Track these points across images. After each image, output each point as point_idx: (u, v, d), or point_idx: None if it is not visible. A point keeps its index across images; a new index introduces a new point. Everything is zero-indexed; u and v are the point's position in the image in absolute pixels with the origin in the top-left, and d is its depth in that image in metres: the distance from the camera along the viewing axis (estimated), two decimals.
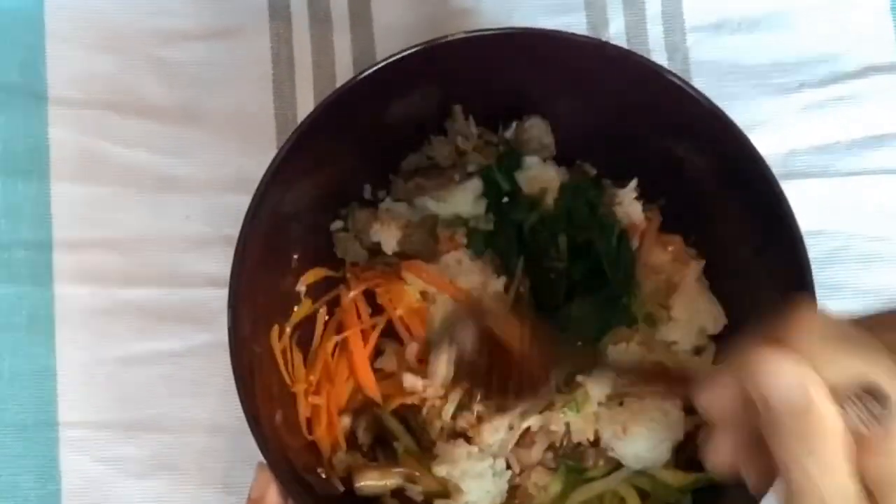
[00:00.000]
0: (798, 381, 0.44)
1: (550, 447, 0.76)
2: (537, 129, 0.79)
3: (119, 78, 0.88)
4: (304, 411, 0.76)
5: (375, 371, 0.78)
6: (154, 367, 0.83)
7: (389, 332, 0.80)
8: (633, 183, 0.79)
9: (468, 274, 0.78)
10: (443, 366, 0.74)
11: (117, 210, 0.85)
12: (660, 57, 0.88)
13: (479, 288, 0.78)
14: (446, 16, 0.89)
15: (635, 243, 0.79)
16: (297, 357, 0.77)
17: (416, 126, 0.79)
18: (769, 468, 0.47)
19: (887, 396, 0.44)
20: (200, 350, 0.83)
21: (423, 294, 0.78)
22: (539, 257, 0.77)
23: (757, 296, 0.75)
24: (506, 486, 0.75)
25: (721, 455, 0.50)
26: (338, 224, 0.80)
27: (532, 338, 0.70)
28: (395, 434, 0.77)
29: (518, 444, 0.76)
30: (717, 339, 0.78)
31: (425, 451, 0.76)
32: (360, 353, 0.77)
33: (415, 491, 0.75)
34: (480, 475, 0.74)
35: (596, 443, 0.75)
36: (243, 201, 0.69)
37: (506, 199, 0.79)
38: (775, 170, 0.70)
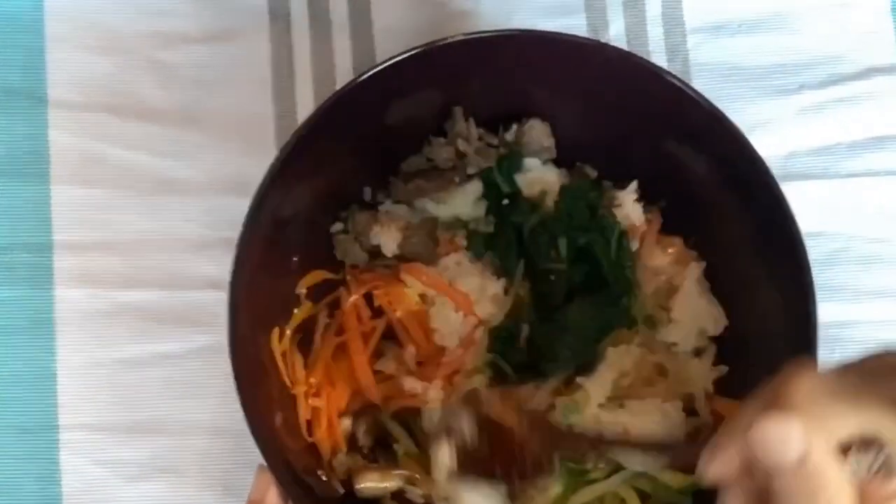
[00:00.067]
0: (800, 443, 0.45)
1: None
2: (537, 131, 0.79)
3: (119, 80, 0.88)
4: (304, 413, 0.76)
5: (375, 373, 0.78)
6: (154, 369, 0.83)
7: (390, 335, 0.79)
8: (634, 185, 0.79)
9: (468, 276, 0.78)
10: (445, 457, 0.74)
11: (117, 212, 0.85)
12: (660, 59, 0.89)
13: (478, 290, 0.78)
14: (446, 18, 0.89)
15: (635, 245, 0.79)
16: (298, 359, 0.76)
17: (416, 128, 0.79)
18: None
19: (889, 447, 0.45)
20: (200, 352, 0.83)
21: (423, 297, 0.78)
22: (539, 259, 0.77)
23: (757, 297, 0.75)
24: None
25: None
26: (338, 226, 0.80)
27: (529, 422, 0.70)
28: (396, 436, 0.77)
29: None
30: (717, 340, 0.78)
31: (425, 454, 0.76)
32: (360, 355, 0.77)
33: (415, 493, 0.75)
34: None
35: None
36: (243, 204, 0.69)
37: (506, 202, 0.78)
38: (775, 171, 0.70)
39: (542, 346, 0.76)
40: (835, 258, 0.86)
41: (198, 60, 0.88)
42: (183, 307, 0.84)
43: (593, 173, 0.81)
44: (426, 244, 0.79)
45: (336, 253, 0.80)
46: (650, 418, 0.74)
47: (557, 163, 0.81)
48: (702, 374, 0.77)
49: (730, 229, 0.76)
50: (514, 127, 0.80)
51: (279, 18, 0.89)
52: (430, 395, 0.76)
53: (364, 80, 0.71)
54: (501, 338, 0.77)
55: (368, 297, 0.79)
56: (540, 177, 0.79)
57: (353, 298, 0.78)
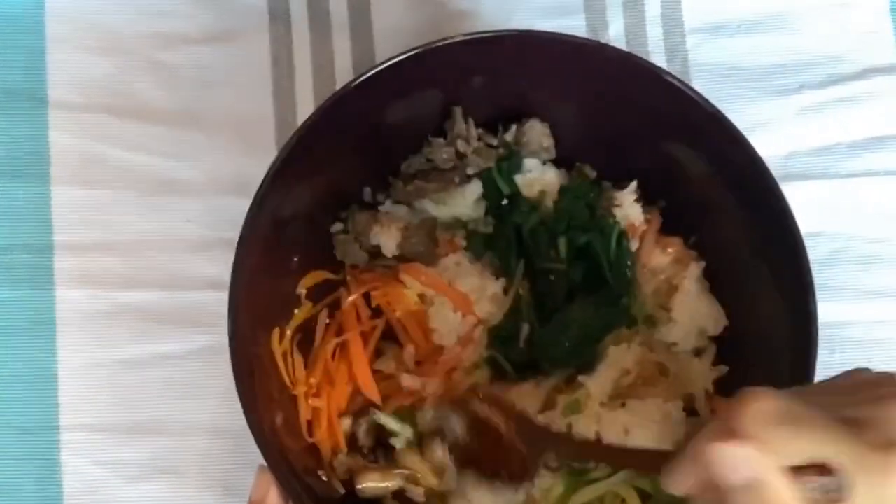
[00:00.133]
0: (748, 464, 0.48)
1: None
2: (537, 132, 0.79)
3: (119, 81, 0.88)
4: (304, 413, 0.76)
5: (375, 373, 0.78)
6: (154, 369, 0.83)
7: (389, 336, 0.80)
8: (633, 185, 0.79)
9: (467, 276, 0.78)
10: (439, 454, 0.76)
11: (117, 213, 0.86)
12: (659, 59, 0.89)
13: (477, 290, 0.78)
14: (446, 18, 0.89)
15: (635, 245, 0.79)
16: (298, 360, 0.76)
17: (416, 128, 0.79)
18: None
19: (838, 470, 0.47)
20: (201, 353, 0.83)
21: (422, 297, 0.79)
22: (539, 259, 0.77)
23: (757, 297, 0.75)
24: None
25: None
26: (338, 226, 0.80)
27: (516, 424, 0.73)
28: (391, 431, 0.77)
29: None
30: (717, 340, 0.78)
31: (425, 448, 0.76)
32: (360, 355, 0.77)
33: (416, 492, 0.75)
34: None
35: (597, 442, 0.75)
36: (243, 204, 0.69)
37: (505, 202, 0.79)
38: (775, 171, 0.70)
39: (542, 345, 0.76)
40: (834, 258, 0.86)
41: (198, 61, 0.88)
42: (183, 308, 0.84)
43: (592, 174, 0.81)
44: (426, 244, 0.79)
45: (336, 253, 0.80)
46: (651, 418, 0.74)
47: (557, 163, 0.81)
48: (702, 374, 0.77)
49: (729, 229, 0.76)
50: (514, 127, 0.80)
51: (279, 19, 0.89)
52: (429, 390, 0.76)
53: (364, 80, 0.71)
54: (501, 337, 0.77)
55: (369, 297, 0.79)
56: (539, 177, 0.80)
57: (352, 298, 0.78)
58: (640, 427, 0.74)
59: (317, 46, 0.89)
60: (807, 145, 0.88)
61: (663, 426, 0.75)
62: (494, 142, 0.80)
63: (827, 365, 0.78)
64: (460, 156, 0.79)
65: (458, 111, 0.78)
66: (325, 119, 0.71)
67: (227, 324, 0.68)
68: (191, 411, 0.83)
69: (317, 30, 0.89)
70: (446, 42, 0.71)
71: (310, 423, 0.76)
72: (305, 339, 0.78)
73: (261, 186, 0.69)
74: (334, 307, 0.79)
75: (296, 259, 0.78)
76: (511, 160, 0.79)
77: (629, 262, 0.78)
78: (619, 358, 0.76)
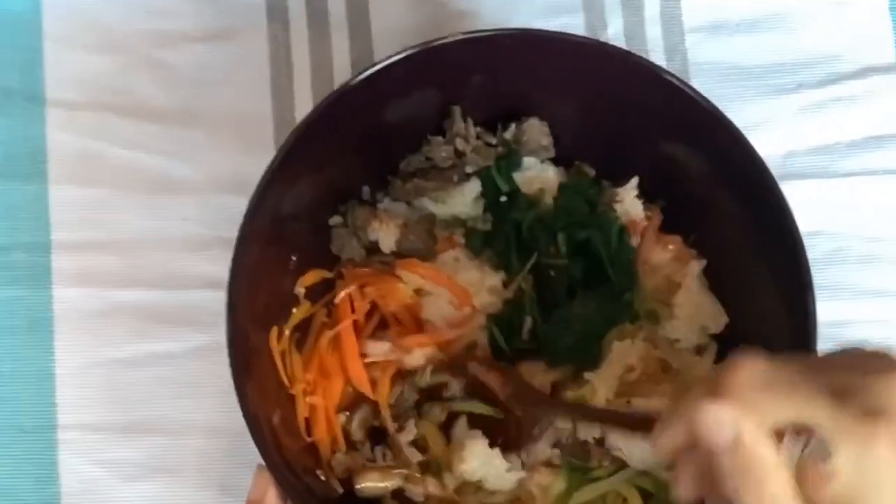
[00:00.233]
0: (731, 424, 0.49)
1: (556, 444, 0.76)
2: (536, 130, 0.79)
3: (117, 80, 0.88)
4: (302, 412, 0.76)
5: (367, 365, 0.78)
6: (152, 369, 0.83)
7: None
8: (634, 180, 0.79)
9: (466, 271, 0.78)
10: (437, 414, 0.77)
11: (116, 212, 0.85)
12: (658, 58, 0.89)
13: (476, 284, 0.77)
14: (445, 17, 0.89)
15: (635, 241, 0.79)
16: (296, 359, 0.76)
17: (415, 127, 0.79)
18: (723, 498, 0.52)
19: (820, 434, 0.48)
20: (199, 352, 0.83)
21: (418, 292, 0.78)
22: (539, 256, 0.77)
23: (756, 296, 0.75)
24: (517, 478, 0.75)
25: (684, 488, 0.55)
26: (337, 219, 0.80)
27: (513, 387, 0.74)
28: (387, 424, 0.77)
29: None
30: (717, 339, 0.78)
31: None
32: (351, 345, 0.77)
33: (415, 492, 0.75)
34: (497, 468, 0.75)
35: (601, 442, 0.75)
36: (241, 203, 0.69)
37: (503, 199, 0.78)
38: (774, 170, 0.70)
39: (545, 340, 0.76)
40: (833, 257, 0.86)
41: (196, 59, 0.88)
42: (181, 307, 0.84)
43: (592, 172, 0.81)
44: (424, 241, 0.79)
45: (332, 247, 0.80)
46: None
47: (556, 162, 0.81)
48: (703, 373, 0.77)
49: (729, 228, 0.76)
50: (513, 126, 0.80)
51: (277, 18, 0.89)
52: (416, 357, 0.77)
53: (362, 79, 0.71)
54: (502, 325, 0.77)
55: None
56: (538, 175, 0.80)
57: (346, 291, 0.78)
58: (587, 426, 0.74)
59: (315, 45, 0.88)
60: (806, 144, 0.88)
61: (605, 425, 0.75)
62: (493, 140, 0.80)
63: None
64: (459, 154, 0.79)
65: (456, 110, 0.78)
66: (323, 118, 0.70)
67: (224, 323, 0.68)
68: (188, 410, 0.83)
69: (315, 29, 0.89)
70: (445, 41, 0.71)
71: (308, 422, 0.76)
72: (304, 339, 0.78)
73: (259, 185, 0.69)
74: (333, 307, 0.79)
75: (294, 258, 0.78)
76: (510, 159, 0.79)
77: (629, 257, 0.78)
78: (624, 353, 0.76)
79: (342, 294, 0.78)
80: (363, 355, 0.77)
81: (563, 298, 0.77)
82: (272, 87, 0.88)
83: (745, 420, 0.49)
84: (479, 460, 0.74)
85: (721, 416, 0.49)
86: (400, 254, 0.79)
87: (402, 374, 0.78)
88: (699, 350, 0.78)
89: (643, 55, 0.84)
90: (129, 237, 0.85)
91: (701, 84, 0.82)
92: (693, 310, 0.77)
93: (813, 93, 0.88)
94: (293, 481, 0.70)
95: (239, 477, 0.80)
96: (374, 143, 0.77)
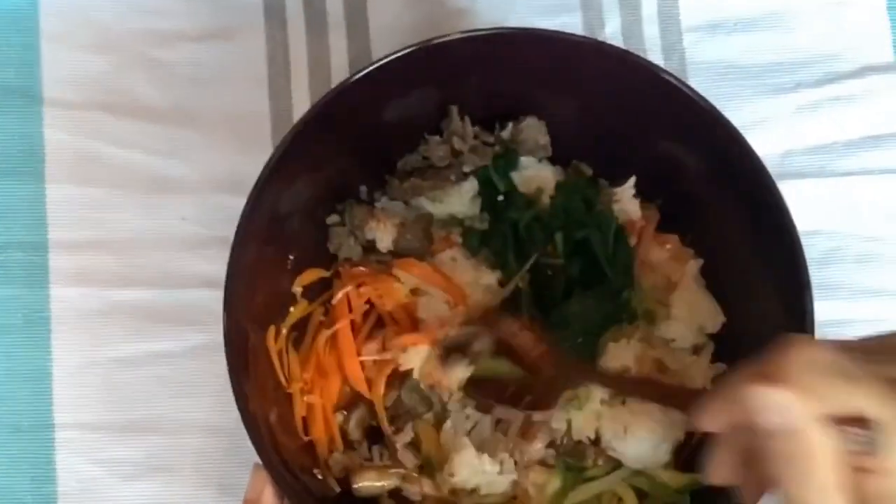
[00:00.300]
0: (787, 409, 0.48)
1: (551, 444, 0.76)
2: (533, 130, 0.79)
3: (114, 79, 0.87)
4: (299, 411, 0.76)
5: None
6: (149, 368, 0.83)
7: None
8: (632, 180, 0.79)
9: (462, 271, 0.78)
10: (458, 373, 0.75)
11: (112, 211, 0.85)
12: (656, 57, 0.89)
13: (472, 283, 0.77)
14: (442, 16, 0.88)
15: (633, 240, 0.79)
16: (293, 358, 0.76)
17: (412, 126, 0.79)
18: (760, 482, 0.52)
19: (876, 423, 0.47)
20: (196, 351, 0.83)
21: (415, 291, 0.78)
22: (536, 255, 0.77)
23: (754, 295, 0.75)
24: (510, 480, 0.75)
25: (718, 469, 0.54)
26: (334, 218, 0.80)
27: (546, 349, 0.73)
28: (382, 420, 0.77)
29: (520, 437, 0.76)
30: (714, 338, 0.78)
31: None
32: (349, 344, 0.77)
33: (412, 491, 0.75)
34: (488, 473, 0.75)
35: (596, 441, 0.75)
36: (238, 202, 0.69)
37: (501, 198, 0.78)
38: (772, 170, 0.70)
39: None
40: (831, 257, 0.86)
41: (193, 59, 0.88)
42: (178, 306, 0.84)
43: (589, 171, 0.81)
44: (421, 240, 0.79)
45: (329, 245, 0.80)
46: (652, 417, 0.74)
47: (553, 161, 0.81)
48: (700, 372, 0.77)
49: (726, 227, 0.76)
50: (510, 125, 0.80)
51: (275, 17, 0.88)
52: (412, 356, 0.76)
53: (359, 78, 0.70)
54: None
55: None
56: (536, 174, 0.79)
57: (343, 290, 0.78)
58: (640, 426, 0.74)
59: (313, 44, 0.88)
60: (803, 144, 0.88)
61: (663, 425, 0.74)
62: (491, 139, 0.80)
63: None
64: (456, 153, 0.79)
65: (454, 109, 0.78)
66: (320, 117, 0.70)
67: (222, 322, 0.68)
68: (186, 410, 0.83)
69: (313, 27, 0.89)
70: (443, 39, 0.71)
71: (305, 421, 0.76)
72: (301, 338, 0.78)
73: (256, 184, 0.69)
74: (330, 306, 0.79)
75: (291, 257, 0.78)
76: (507, 158, 0.79)
77: (627, 257, 0.78)
78: (619, 354, 0.76)
79: (339, 294, 0.78)
80: (359, 354, 0.77)
81: (560, 298, 0.77)
82: (269, 87, 0.87)
83: (801, 405, 0.47)
84: (469, 469, 0.74)
85: (778, 399, 0.48)
86: (397, 253, 0.79)
87: (400, 378, 0.78)
88: (696, 349, 0.78)
89: (641, 54, 0.84)
90: (127, 236, 0.85)
91: (698, 83, 0.82)
92: (690, 309, 0.77)
93: (811, 92, 0.88)
94: (290, 480, 0.70)
95: (237, 476, 0.80)
96: (371, 142, 0.77)
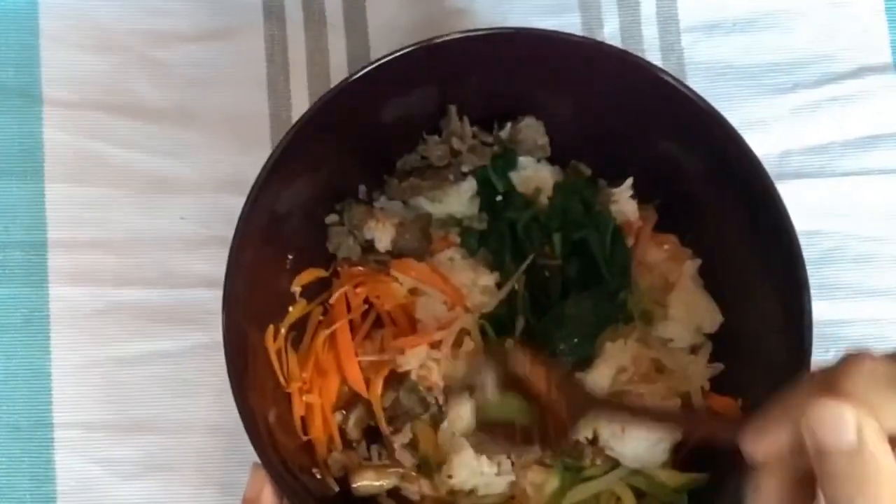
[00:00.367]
0: (852, 425, 0.45)
1: None
2: (532, 130, 0.79)
3: (113, 78, 0.87)
4: (298, 410, 0.76)
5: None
6: (149, 367, 0.83)
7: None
8: (629, 181, 0.79)
9: (460, 271, 0.78)
10: (465, 414, 0.74)
11: (112, 211, 0.85)
12: (654, 58, 0.89)
13: (470, 284, 0.78)
14: (441, 16, 0.88)
15: (631, 241, 0.79)
16: (292, 358, 0.76)
17: (411, 126, 0.79)
18: None
19: None
20: (195, 351, 0.83)
21: (413, 291, 0.78)
22: (534, 255, 0.77)
23: (753, 296, 0.75)
24: (508, 481, 0.75)
25: (765, 496, 0.50)
26: (333, 218, 0.80)
27: (557, 383, 0.70)
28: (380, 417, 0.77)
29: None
30: (712, 337, 0.78)
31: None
32: (347, 344, 0.77)
33: (411, 491, 0.75)
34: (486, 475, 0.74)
35: (594, 441, 0.75)
36: (238, 202, 0.69)
37: (499, 198, 0.78)
38: (770, 170, 0.70)
39: (539, 340, 0.76)
40: (830, 257, 0.86)
41: (192, 58, 0.88)
42: (177, 305, 0.84)
43: (588, 171, 0.81)
44: (420, 240, 0.79)
45: (328, 245, 0.80)
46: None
47: (552, 161, 0.81)
48: (698, 372, 0.77)
49: (725, 228, 0.76)
50: (509, 125, 0.80)
51: (274, 16, 0.89)
52: (410, 358, 0.76)
53: (358, 77, 0.70)
54: (494, 324, 0.77)
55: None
56: (534, 175, 0.80)
57: (342, 290, 0.78)
58: (638, 426, 0.74)
59: (311, 44, 0.88)
60: (802, 144, 0.88)
61: (661, 425, 0.75)
62: (489, 139, 0.80)
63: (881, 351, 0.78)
64: (455, 153, 0.79)
65: (453, 109, 0.78)
66: (319, 116, 0.70)
67: (221, 321, 0.68)
68: (185, 409, 0.83)
69: (311, 27, 0.89)
70: (441, 39, 0.71)
71: (304, 421, 0.76)
72: (299, 338, 0.78)
73: (255, 184, 0.69)
74: (329, 306, 0.79)
75: (290, 257, 0.78)
76: (506, 158, 0.79)
77: (624, 258, 0.78)
78: (616, 354, 0.76)
79: (338, 293, 0.78)
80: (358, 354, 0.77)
81: (557, 298, 0.77)
82: (268, 86, 0.88)
83: (869, 422, 0.45)
84: (468, 471, 0.74)
85: (843, 414, 0.45)
86: (396, 253, 0.79)
87: (399, 378, 0.78)
88: (694, 349, 0.78)
89: (639, 55, 0.84)
90: (126, 236, 0.85)
91: (697, 83, 0.82)
92: (688, 309, 0.77)
93: (809, 92, 0.88)
94: (289, 480, 0.70)
95: (236, 475, 0.79)
96: (370, 142, 0.77)
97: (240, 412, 0.67)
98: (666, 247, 0.79)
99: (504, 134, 0.79)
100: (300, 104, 0.87)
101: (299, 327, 0.78)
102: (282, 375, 0.75)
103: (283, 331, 0.76)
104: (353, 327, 0.78)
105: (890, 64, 0.89)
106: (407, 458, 0.76)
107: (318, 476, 0.75)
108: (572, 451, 0.75)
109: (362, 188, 0.81)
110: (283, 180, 0.72)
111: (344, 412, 0.78)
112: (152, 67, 0.88)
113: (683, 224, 0.79)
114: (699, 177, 0.76)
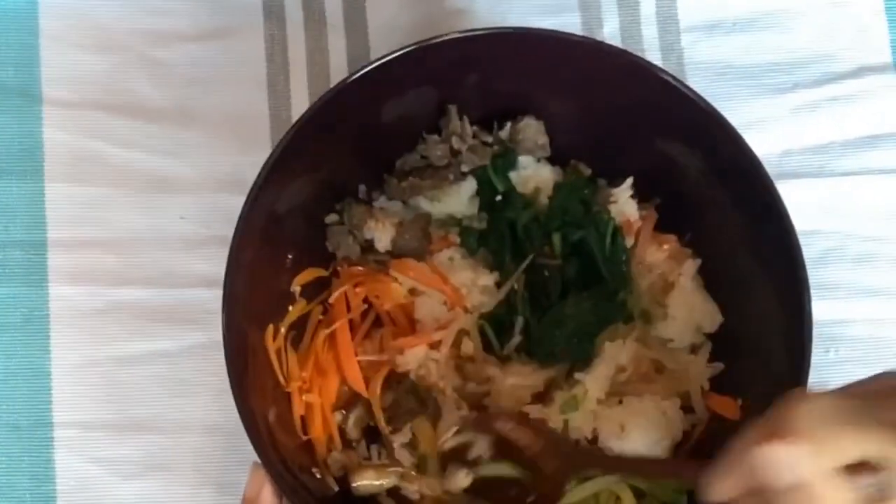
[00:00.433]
0: (801, 466, 0.47)
1: None
2: (532, 129, 0.79)
3: (113, 78, 0.88)
4: (298, 410, 0.76)
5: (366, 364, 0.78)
6: (148, 367, 0.83)
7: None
8: (629, 181, 0.79)
9: (460, 271, 0.78)
10: (459, 482, 0.75)
11: (112, 210, 0.85)
12: (654, 57, 0.89)
13: (470, 284, 0.78)
14: (441, 16, 0.89)
15: (630, 241, 0.79)
16: (292, 357, 0.76)
17: (411, 126, 0.79)
18: None
19: (887, 469, 0.47)
20: (195, 350, 0.83)
21: (412, 291, 0.78)
22: (533, 255, 0.77)
23: (752, 295, 0.75)
24: None
25: None
26: (333, 217, 0.80)
27: (545, 442, 0.72)
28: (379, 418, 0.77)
29: None
30: (712, 337, 0.78)
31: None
32: (346, 344, 0.77)
33: (410, 490, 0.75)
34: None
35: (594, 440, 0.75)
36: (237, 201, 0.69)
37: (499, 198, 0.78)
38: (770, 170, 0.70)
39: (538, 339, 0.76)
40: (829, 256, 0.86)
41: (192, 58, 0.88)
42: (177, 305, 0.84)
43: (587, 171, 0.81)
44: (419, 240, 0.79)
45: (328, 244, 0.80)
46: (648, 416, 0.74)
47: (552, 161, 0.81)
48: (698, 372, 0.77)
49: (725, 227, 0.76)
50: (509, 125, 0.80)
51: (274, 16, 0.89)
52: (409, 358, 0.76)
53: (358, 77, 0.71)
54: (494, 324, 0.77)
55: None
56: (534, 174, 0.80)
57: (341, 289, 0.78)
58: (637, 425, 0.74)
59: (311, 43, 0.88)
60: (801, 144, 0.88)
61: (660, 424, 0.75)
62: (489, 139, 0.80)
63: (821, 364, 0.79)
64: (455, 153, 0.79)
65: (452, 109, 0.78)
66: (319, 116, 0.70)
67: (221, 321, 0.68)
68: (184, 409, 0.83)
69: (311, 27, 0.89)
70: (441, 39, 0.71)
71: (304, 420, 0.76)
72: (299, 337, 0.78)
73: (255, 183, 0.69)
74: (328, 305, 0.79)
75: (290, 256, 0.78)
76: (506, 158, 0.79)
77: (624, 258, 0.78)
78: (615, 354, 0.76)
79: (337, 293, 0.78)
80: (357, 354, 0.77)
81: (556, 298, 0.77)
82: (268, 86, 0.88)
83: (810, 458, 0.47)
84: (466, 483, 0.74)
85: (786, 455, 0.48)
86: (395, 252, 0.79)
87: (398, 378, 0.78)
88: (694, 349, 0.78)
89: (639, 54, 0.84)
90: (126, 235, 0.85)
91: (697, 83, 0.82)
92: (688, 309, 0.77)
93: (809, 92, 0.89)
94: (289, 479, 0.70)
95: (235, 475, 0.79)
96: (370, 142, 0.77)
97: (239, 412, 0.67)
98: (666, 247, 0.79)
99: (504, 134, 0.79)
100: (300, 104, 0.87)
101: (299, 327, 0.78)
102: (281, 375, 0.75)
103: (282, 330, 0.76)
104: (352, 327, 0.78)
105: (890, 64, 0.90)
106: (406, 458, 0.76)
107: (318, 475, 0.75)
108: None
109: (362, 188, 0.81)
110: (283, 180, 0.72)
111: (343, 412, 0.78)
112: (152, 67, 0.88)
113: (683, 224, 0.79)
114: (699, 177, 0.76)
